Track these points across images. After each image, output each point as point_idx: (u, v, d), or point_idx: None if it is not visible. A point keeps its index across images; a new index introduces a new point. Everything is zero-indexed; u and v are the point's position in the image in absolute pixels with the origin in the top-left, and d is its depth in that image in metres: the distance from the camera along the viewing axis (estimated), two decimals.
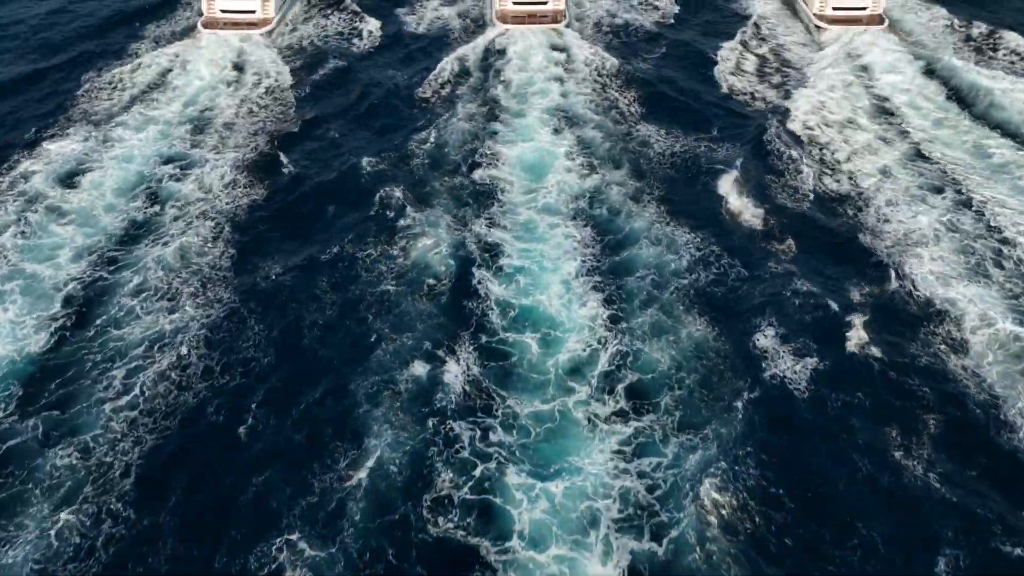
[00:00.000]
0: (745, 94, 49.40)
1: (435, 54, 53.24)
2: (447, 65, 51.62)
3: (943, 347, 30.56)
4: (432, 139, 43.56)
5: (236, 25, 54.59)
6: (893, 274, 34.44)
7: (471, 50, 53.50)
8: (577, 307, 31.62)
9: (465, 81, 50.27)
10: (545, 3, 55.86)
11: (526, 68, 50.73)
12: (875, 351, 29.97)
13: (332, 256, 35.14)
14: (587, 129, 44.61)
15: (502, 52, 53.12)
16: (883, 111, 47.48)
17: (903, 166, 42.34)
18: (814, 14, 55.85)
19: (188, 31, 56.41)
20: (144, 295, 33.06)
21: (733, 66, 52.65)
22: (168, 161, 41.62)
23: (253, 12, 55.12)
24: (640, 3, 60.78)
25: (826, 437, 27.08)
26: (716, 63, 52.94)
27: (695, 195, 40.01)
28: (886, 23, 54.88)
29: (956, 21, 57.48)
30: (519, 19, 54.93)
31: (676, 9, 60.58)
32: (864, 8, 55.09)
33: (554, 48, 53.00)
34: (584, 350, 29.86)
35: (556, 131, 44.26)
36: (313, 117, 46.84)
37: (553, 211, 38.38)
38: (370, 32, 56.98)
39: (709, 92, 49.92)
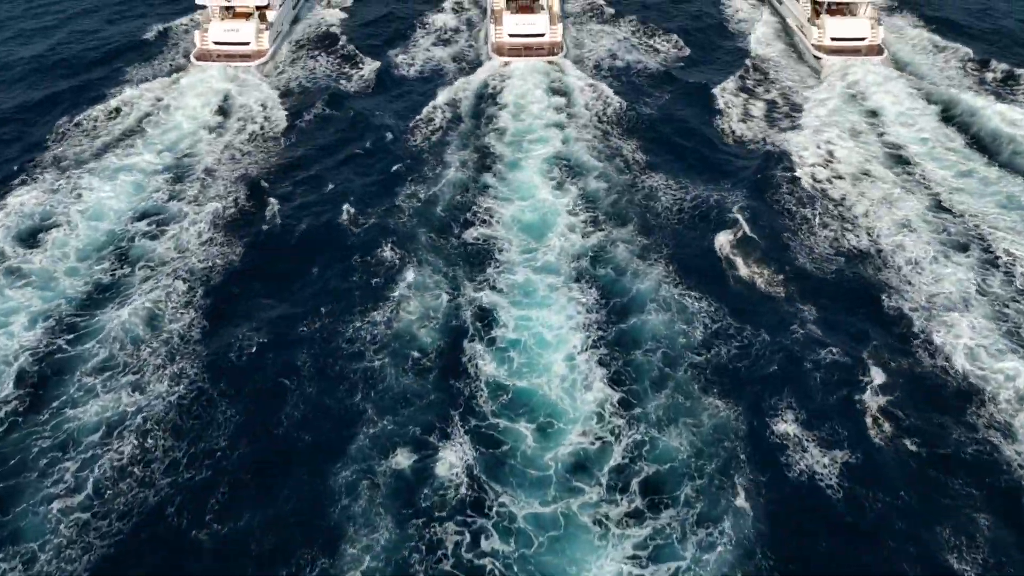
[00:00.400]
0: (754, 141, 46.83)
1: (427, 97, 50.65)
2: (439, 110, 49.13)
3: (988, 431, 27.66)
4: (421, 193, 40.86)
5: (229, 57, 53.33)
6: (923, 345, 31.72)
7: (464, 93, 51.06)
8: (581, 391, 28.55)
9: (457, 127, 47.62)
10: (542, 35, 54.46)
11: (523, 114, 48.29)
12: (913, 440, 27.05)
13: (312, 326, 32.21)
14: (590, 180, 41.97)
15: (496, 96, 50.74)
16: (899, 160, 45.07)
17: (924, 220, 39.76)
18: (812, 44, 55.06)
19: (174, 70, 54.06)
20: (106, 370, 30.11)
21: (740, 110, 50.18)
22: (142, 217, 38.81)
23: (247, 44, 53.89)
24: (641, 43, 58.66)
25: (868, 541, 24.09)
26: (720, 106, 50.54)
27: (704, 254, 37.23)
28: (885, 54, 54.26)
29: (951, 47, 56.84)
30: (515, 51, 53.62)
31: (678, 49, 58.53)
32: (863, 39, 54.37)
33: (554, 92, 50.62)
34: (592, 443, 26.80)
35: (558, 184, 41.55)
36: (298, 164, 44.25)
37: (553, 271, 35.59)
38: (362, 73, 54.66)
39: (715, 137, 47.42)
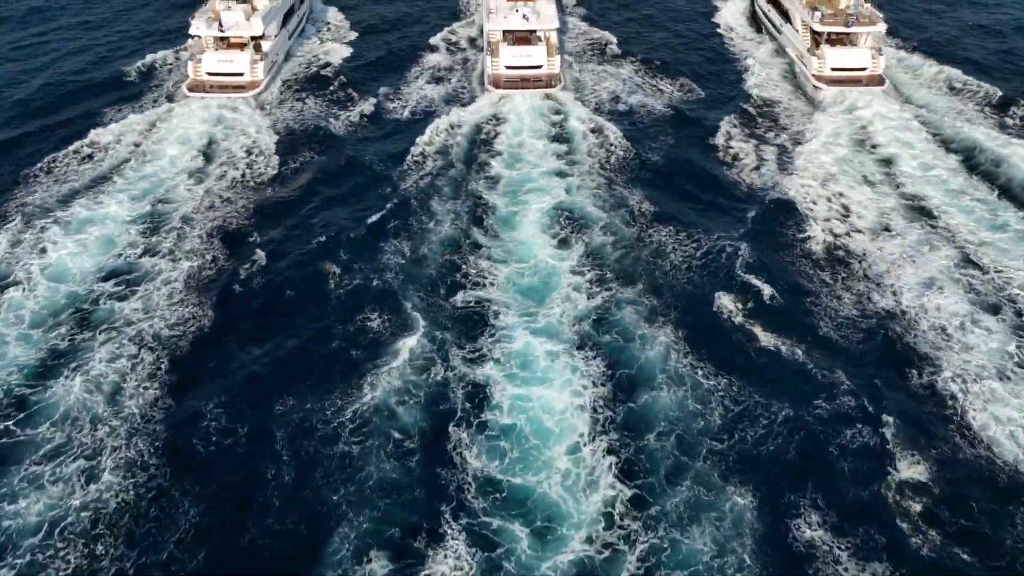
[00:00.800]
0: (764, 189, 43.87)
1: (418, 140, 47.84)
2: (429, 157, 46.22)
3: None
4: (409, 250, 37.97)
5: (223, 88, 52.04)
6: (961, 428, 28.77)
7: (456, 138, 48.21)
8: (586, 490, 25.43)
9: (448, 173, 44.63)
10: (539, 67, 52.98)
11: (520, 162, 45.52)
12: (964, 550, 23.98)
13: (287, 403, 29.21)
14: (594, 233, 39.12)
15: (491, 141, 48.10)
16: (920, 211, 42.31)
17: (951, 278, 36.94)
18: (812, 74, 54.13)
19: (156, 108, 51.49)
20: (57, 455, 27.03)
21: (747, 154, 47.31)
22: (109, 276, 35.86)
23: (241, 75, 52.43)
24: (644, 83, 56.07)
25: None
26: (726, 147, 48.07)
27: (717, 319, 34.26)
28: (886, 84, 53.36)
29: (969, 87, 54.65)
30: (513, 83, 52.18)
31: (680, 88, 55.85)
32: (863, 68, 53.45)
33: (554, 139, 47.94)
34: (600, 551, 23.68)
35: (561, 242, 38.75)
36: (281, 214, 41.41)
37: (554, 335, 32.66)
38: (353, 112, 51.91)
39: (723, 183, 44.60)
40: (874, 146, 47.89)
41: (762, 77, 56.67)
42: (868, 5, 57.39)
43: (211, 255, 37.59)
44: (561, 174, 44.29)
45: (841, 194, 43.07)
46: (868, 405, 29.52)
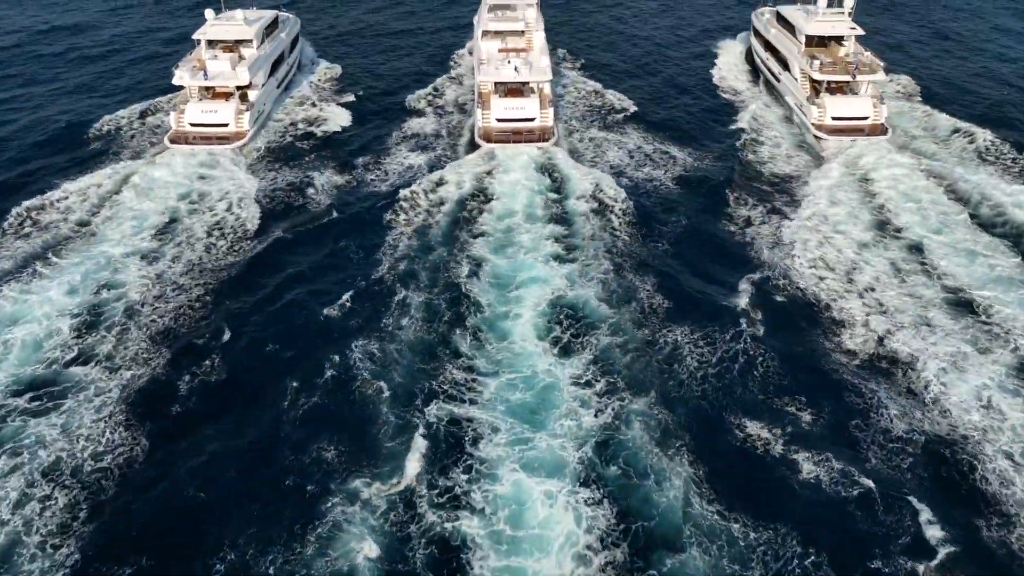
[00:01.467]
0: (785, 275, 39.06)
1: (395, 216, 43.17)
2: (404, 235, 41.31)
3: None
4: (377, 353, 32.73)
5: (206, 139, 50.03)
6: None
7: (437, 218, 43.29)
8: None
9: (427, 257, 39.53)
10: (532, 120, 50.44)
11: (511, 247, 40.39)
12: None
13: (225, 556, 23.76)
14: (600, 336, 34.06)
15: (476, 217, 43.10)
16: (961, 304, 37.57)
17: (1005, 388, 32.03)
18: (813, 124, 52.27)
19: (120, 159, 47.74)
20: None
21: (760, 224, 43.07)
22: (26, 389, 30.48)
23: (226, 125, 50.49)
24: (648, 146, 51.55)
25: None
26: (740, 220, 43.86)
27: (743, 451, 29.04)
28: (890, 133, 51.35)
29: (985, 141, 52.19)
30: (504, 137, 49.65)
31: (685, 150, 51.56)
32: (865, 118, 51.77)
33: (552, 218, 42.98)
34: None
35: (562, 348, 33.51)
36: (238, 306, 36.10)
37: (552, 470, 27.41)
38: (329, 182, 47.22)
39: (738, 263, 39.91)
40: (898, 229, 42.85)
41: (763, 133, 53.97)
42: (868, 53, 55.53)
43: (155, 362, 32.31)
44: (560, 259, 39.38)
45: (871, 288, 38.13)
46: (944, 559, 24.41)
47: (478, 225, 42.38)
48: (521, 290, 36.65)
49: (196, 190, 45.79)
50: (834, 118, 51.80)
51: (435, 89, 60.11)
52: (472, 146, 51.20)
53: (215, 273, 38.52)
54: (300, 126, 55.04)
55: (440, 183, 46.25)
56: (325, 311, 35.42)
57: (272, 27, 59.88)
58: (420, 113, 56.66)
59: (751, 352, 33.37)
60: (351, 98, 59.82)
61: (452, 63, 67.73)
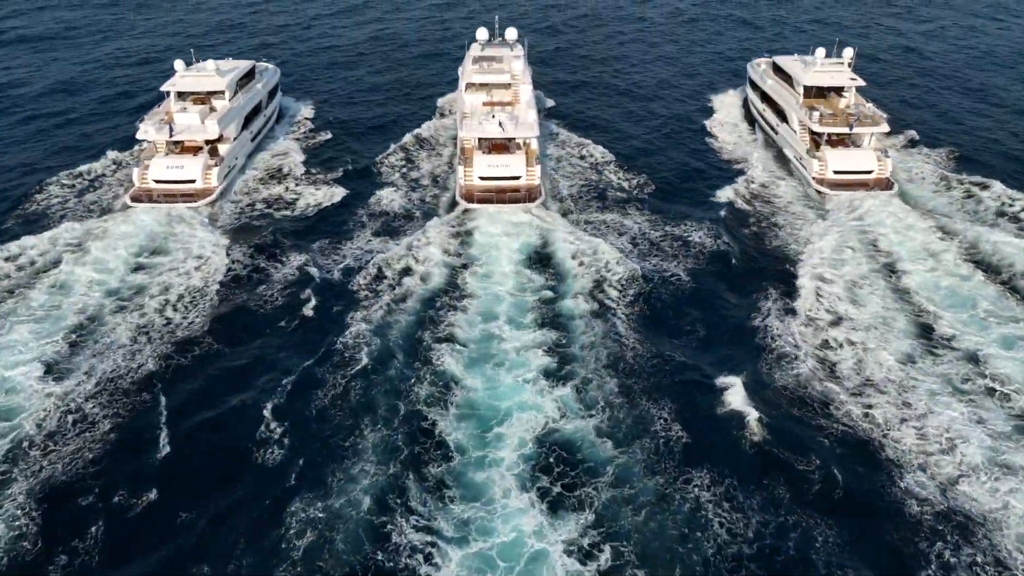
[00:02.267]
0: (823, 403, 32.17)
1: (353, 316, 36.29)
2: (363, 342, 34.11)
3: None
4: (319, 512, 25.82)
5: (171, 197, 46.47)
6: None
7: (401, 315, 36.51)
8: None
9: (385, 372, 32.49)
10: (517, 178, 46.84)
11: (490, 359, 33.51)
12: None
13: None
14: (601, 486, 27.13)
15: (446, 319, 36.24)
16: (991, 393, 32.12)
17: None
18: (814, 178, 49.57)
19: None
20: None
21: (785, 335, 36.11)
22: None
23: (193, 181, 47.11)
24: (663, 237, 44.50)
25: None
26: (761, 321, 37.25)
27: None
28: (896, 187, 48.70)
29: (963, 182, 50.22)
30: (487, 197, 45.87)
31: (687, 225, 45.35)
32: (869, 171, 49.09)
33: (543, 321, 36.14)
34: None
35: (553, 505, 26.48)
36: (150, 461, 28.43)
37: None
38: (281, 275, 40.13)
39: (765, 381, 33.17)
40: (949, 338, 36.87)
41: (763, 190, 50.70)
42: (870, 105, 53.68)
43: (39, 517, 25.34)
44: (551, 375, 32.54)
45: (928, 414, 31.45)
46: None
47: (449, 327, 35.59)
48: (502, 426, 29.61)
49: (142, 266, 40.50)
50: (836, 172, 49.10)
51: (409, 160, 53.84)
52: (452, 206, 46.68)
53: (129, 395, 31.43)
54: (266, 193, 49.54)
55: (406, 271, 39.71)
56: (258, 454, 28.41)
57: (248, 78, 56.89)
58: (393, 185, 50.15)
59: (793, 521, 26.33)
60: (325, 153, 55.07)
61: (441, 111, 63.21)
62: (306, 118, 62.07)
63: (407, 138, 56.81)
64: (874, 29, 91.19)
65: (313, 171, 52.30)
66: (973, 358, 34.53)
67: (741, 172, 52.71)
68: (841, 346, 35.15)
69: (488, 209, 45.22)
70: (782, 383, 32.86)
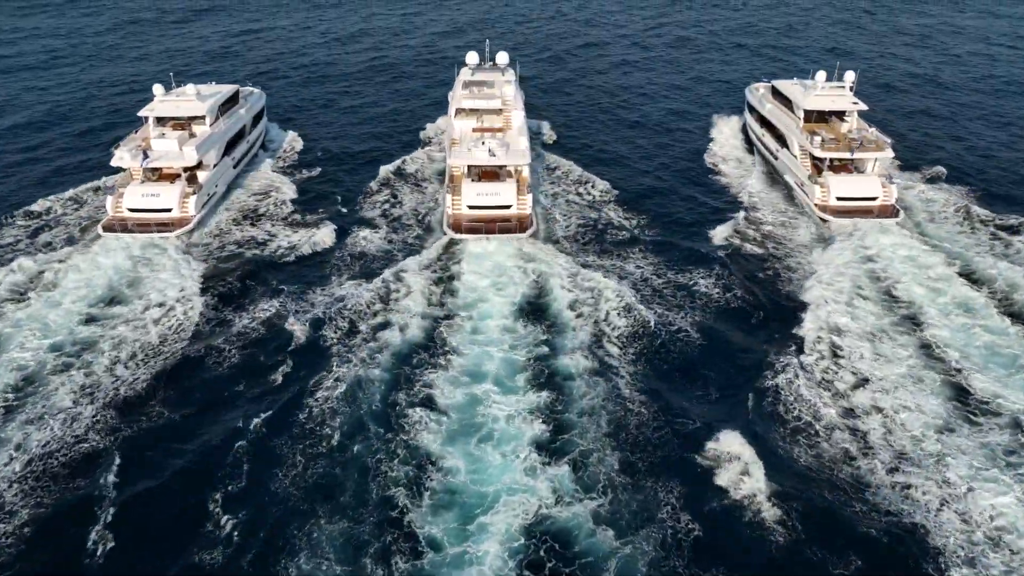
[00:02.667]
0: (854, 500, 28.17)
1: (320, 383, 32.12)
2: (327, 420, 29.88)
3: None
4: None
5: (145, 226, 44.16)
6: None
7: (372, 372, 32.60)
8: None
9: (352, 447, 28.54)
10: (508, 207, 44.47)
11: (472, 434, 29.26)
12: None
13: None
14: None
15: (417, 380, 32.31)
16: None
17: None
18: (816, 204, 47.45)
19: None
20: None
21: (818, 409, 32.16)
22: None
23: (169, 210, 44.79)
24: (666, 284, 40.37)
25: None
26: (775, 377, 33.23)
27: None
28: (901, 215, 46.48)
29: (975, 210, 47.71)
30: (475, 227, 43.12)
31: (712, 292, 40.14)
32: (874, 198, 46.99)
33: (535, 381, 32.03)
34: None
35: None
36: (103, 529, 25.21)
37: None
38: (242, 326, 36.37)
39: (790, 466, 29.13)
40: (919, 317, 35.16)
41: (762, 218, 47.93)
42: (874, 129, 50.92)
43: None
44: (543, 448, 28.58)
45: (988, 516, 27.05)
46: None
47: (428, 389, 31.61)
48: (487, 515, 25.57)
49: (94, 317, 36.63)
50: (839, 198, 46.98)
51: (393, 195, 50.20)
52: (439, 238, 43.46)
53: (57, 486, 27.34)
54: (240, 233, 45.79)
55: (384, 325, 35.87)
56: (201, 553, 24.43)
57: (231, 103, 54.40)
58: (374, 225, 46.38)
59: None
60: (309, 188, 51.82)
61: (429, 141, 59.94)
62: (292, 146, 59.05)
63: (391, 171, 53.44)
64: (888, 58, 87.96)
65: (293, 204, 49.04)
66: (1017, 425, 30.58)
67: (742, 204, 49.49)
68: (868, 413, 31.17)
69: (474, 249, 41.78)
70: (805, 462, 28.78)
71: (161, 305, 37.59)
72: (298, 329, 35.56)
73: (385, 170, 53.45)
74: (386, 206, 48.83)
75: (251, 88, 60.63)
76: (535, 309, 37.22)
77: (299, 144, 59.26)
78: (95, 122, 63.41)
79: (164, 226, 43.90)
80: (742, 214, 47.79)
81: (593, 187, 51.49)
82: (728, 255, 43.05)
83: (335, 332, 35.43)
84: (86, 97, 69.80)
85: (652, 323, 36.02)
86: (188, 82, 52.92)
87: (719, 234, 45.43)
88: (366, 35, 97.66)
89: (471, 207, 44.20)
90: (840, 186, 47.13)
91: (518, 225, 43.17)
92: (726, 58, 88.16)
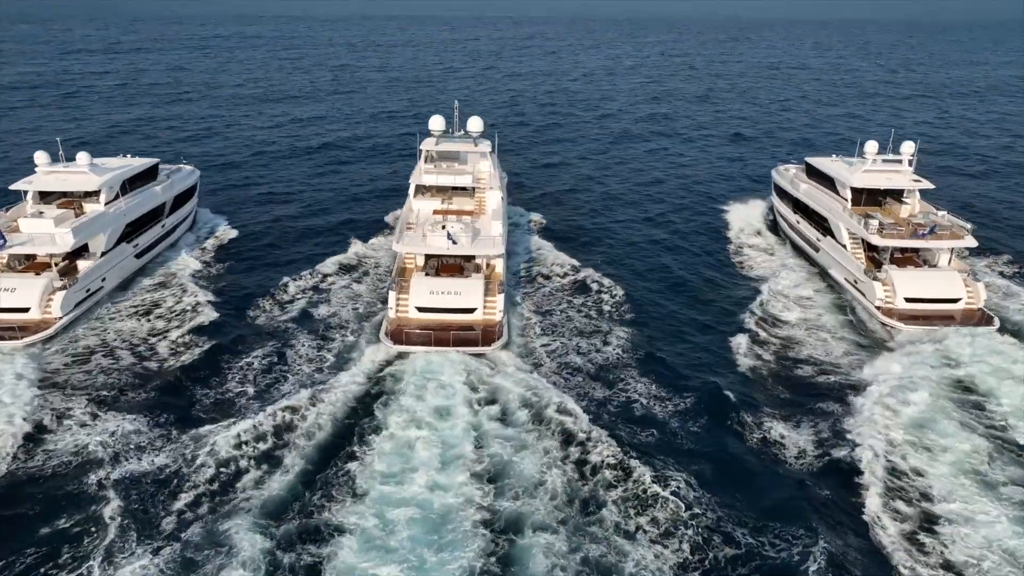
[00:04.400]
0: None
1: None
2: None
3: None
4: None
5: None
6: None
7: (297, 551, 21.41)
8: None
9: None
10: (471, 310, 34.45)
11: None
12: None
13: None
14: None
15: None
16: None
17: None
18: (878, 307, 37.22)
19: None
20: None
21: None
22: None
23: (26, 310, 35.55)
24: (676, 432, 28.00)
25: None
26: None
27: None
28: (997, 323, 35.54)
29: None
30: (424, 337, 32.76)
31: (734, 447, 28.33)
32: (956, 299, 36.82)
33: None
34: None
35: None
36: None
37: None
38: (83, 491, 24.69)
39: None
40: None
41: (805, 330, 36.46)
42: (944, 213, 40.86)
43: None
44: None
45: None
46: None
47: None
48: None
49: None
50: (908, 299, 36.88)
51: (333, 294, 39.30)
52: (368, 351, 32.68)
53: None
54: (128, 332, 35.77)
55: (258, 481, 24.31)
56: None
57: (145, 178, 44.61)
58: (294, 336, 34.99)
59: None
60: (227, 283, 41.50)
61: (385, 229, 49.83)
62: (224, 235, 48.64)
63: (336, 265, 42.91)
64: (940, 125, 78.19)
65: (204, 305, 38.04)
66: None
67: (770, 309, 38.22)
68: None
69: (417, 364, 30.77)
70: None
71: None
72: (141, 491, 23.89)
73: (331, 262, 43.05)
74: (321, 307, 37.61)
75: (185, 165, 51.22)
76: (496, 475, 25.08)
77: (232, 233, 48.83)
78: None
79: (16, 330, 34.25)
80: (770, 325, 36.69)
81: (586, 279, 40.75)
82: (753, 383, 31.66)
83: (200, 483, 23.82)
84: None
85: (662, 497, 23.95)
86: (89, 152, 42.88)
87: (743, 349, 34.39)
88: (330, 118, 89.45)
89: (421, 309, 34.26)
90: (908, 283, 36.66)
91: (482, 336, 32.75)
92: (738, 139, 79.70)
